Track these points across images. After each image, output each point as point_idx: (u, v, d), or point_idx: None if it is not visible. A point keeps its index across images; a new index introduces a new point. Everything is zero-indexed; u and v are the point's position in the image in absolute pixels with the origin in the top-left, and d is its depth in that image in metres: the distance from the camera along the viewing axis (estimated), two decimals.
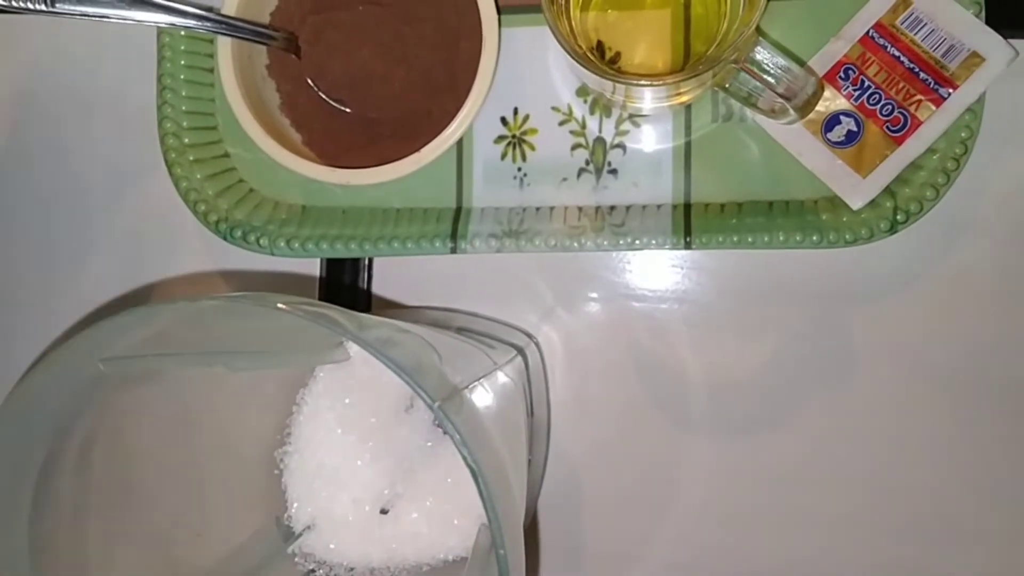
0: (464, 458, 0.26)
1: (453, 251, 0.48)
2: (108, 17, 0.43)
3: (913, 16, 0.46)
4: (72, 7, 0.42)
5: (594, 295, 0.51)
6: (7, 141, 0.55)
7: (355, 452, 0.45)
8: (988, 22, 0.45)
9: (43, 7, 0.41)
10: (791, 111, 0.43)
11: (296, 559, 0.45)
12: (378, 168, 0.47)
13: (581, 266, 0.51)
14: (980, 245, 0.48)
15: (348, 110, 0.49)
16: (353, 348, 0.45)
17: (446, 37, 0.48)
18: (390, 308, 0.52)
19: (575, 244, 0.47)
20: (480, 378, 0.35)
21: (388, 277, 0.52)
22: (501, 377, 0.40)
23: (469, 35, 0.47)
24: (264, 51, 0.50)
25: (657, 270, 0.51)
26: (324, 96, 0.49)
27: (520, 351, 0.47)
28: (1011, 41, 0.45)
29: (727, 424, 0.50)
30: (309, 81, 0.49)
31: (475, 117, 0.47)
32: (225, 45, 0.48)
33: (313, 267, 0.53)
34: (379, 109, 0.49)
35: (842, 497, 0.49)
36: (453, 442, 0.27)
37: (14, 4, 0.41)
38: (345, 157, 0.48)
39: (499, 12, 0.46)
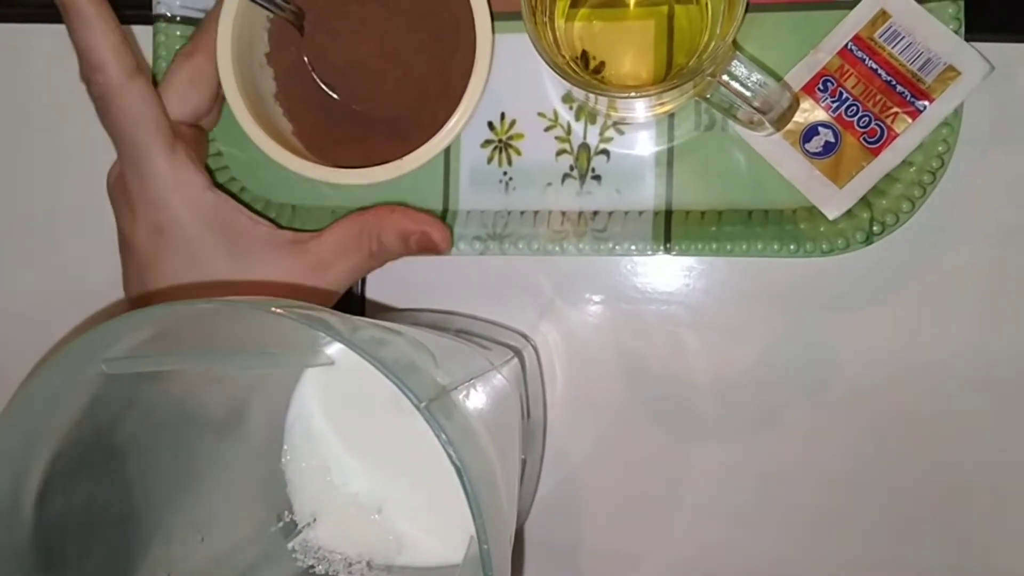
0: (449, 456, 0.28)
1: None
2: None
3: (891, 30, 0.47)
4: None
5: (592, 297, 0.52)
6: (7, 142, 0.56)
7: (354, 451, 0.45)
8: (969, 26, 0.46)
9: None
10: (767, 124, 0.44)
11: (295, 555, 0.45)
12: (361, 170, 0.47)
13: (578, 268, 0.52)
14: (957, 253, 0.49)
15: (336, 96, 0.50)
16: (333, 350, 0.45)
17: (444, 47, 0.49)
18: (386, 311, 0.53)
19: (557, 248, 0.48)
20: (474, 378, 0.36)
21: (382, 279, 0.53)
22: (496, 379, 0.41)
23: (464, 48, 0.47)
24: (265, 38, 0.50)
25: (657, 274, 0.52)
26: (317, 79, 0.50)
27: (517, 353, 0.47)
28: (992, 46, 0.46)
29: (722, 425, 0.51)
30: (306, 59, 0.50)
31: (461, 130, 0.47)
32: (225, 33, 0.47)
33: None
34: (367, 103, 0.50)
35: (834, 497, 0.50)
36: (439, 441, 0.28)
37: None
38: (335, 150, 0.49)
39: (494, 33, 0.47)
